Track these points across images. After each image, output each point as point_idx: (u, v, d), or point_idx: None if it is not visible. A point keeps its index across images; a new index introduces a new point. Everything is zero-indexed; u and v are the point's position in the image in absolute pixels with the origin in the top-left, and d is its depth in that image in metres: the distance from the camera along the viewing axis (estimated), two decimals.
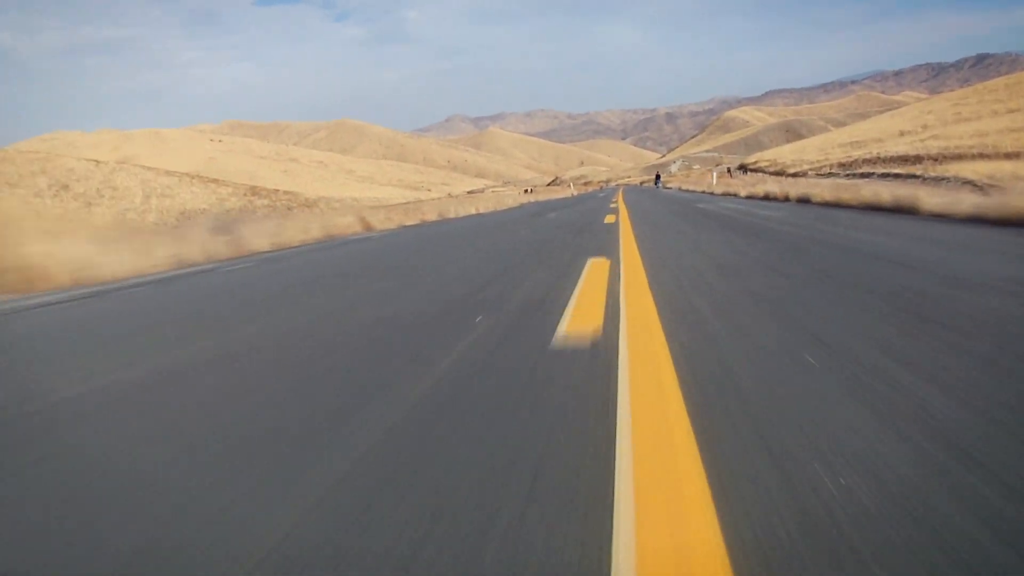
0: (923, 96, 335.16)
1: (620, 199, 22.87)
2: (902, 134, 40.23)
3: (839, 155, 38.88)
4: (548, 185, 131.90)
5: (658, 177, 47.98)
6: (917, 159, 25.77)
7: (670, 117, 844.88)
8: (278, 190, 64.67)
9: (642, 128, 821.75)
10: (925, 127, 39.45)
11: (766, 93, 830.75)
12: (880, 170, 25.87)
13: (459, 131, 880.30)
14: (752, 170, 44.28)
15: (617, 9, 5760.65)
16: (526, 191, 48.65)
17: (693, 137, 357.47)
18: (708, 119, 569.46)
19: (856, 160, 29.47)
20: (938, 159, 24.61)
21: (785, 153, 49.88)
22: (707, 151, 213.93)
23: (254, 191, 60.12)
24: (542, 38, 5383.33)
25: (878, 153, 29.02)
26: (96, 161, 62.44)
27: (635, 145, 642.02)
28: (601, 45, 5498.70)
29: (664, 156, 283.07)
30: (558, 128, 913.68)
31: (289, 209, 59.29)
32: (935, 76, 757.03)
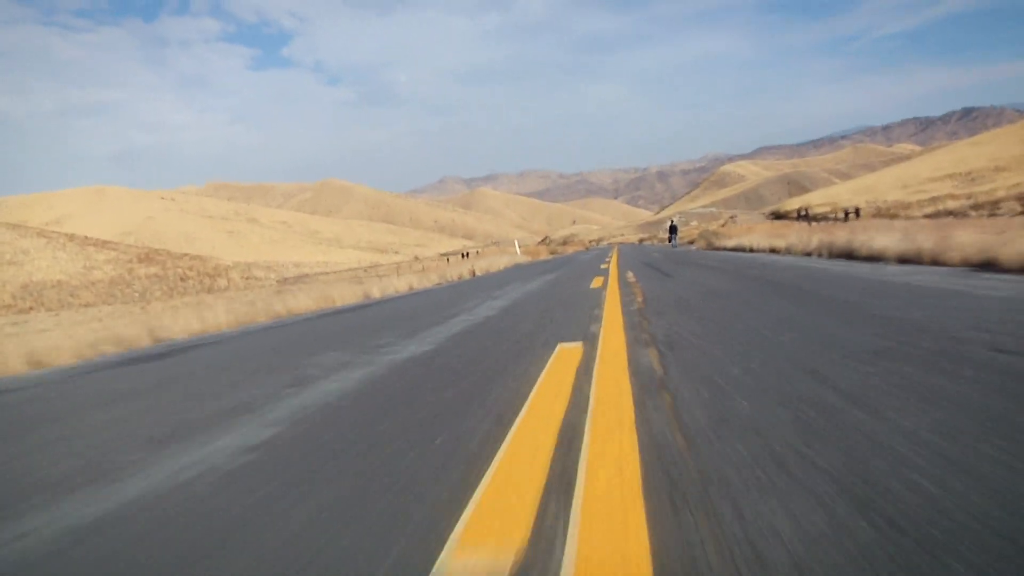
0: (916, 148, 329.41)
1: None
2: None
3: (951, 190, 25.69)
4: (539, 243, 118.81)
5: (673, 230, 34.03)
6: None
7: (662, 175, 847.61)
8: (186, 255, 51.25)
9: (634, 187, 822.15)
10: None
11: (757, 150, 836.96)
12: None
13: (452, 192, 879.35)
14: (810, 218, 30.86)
15: (606, 69, 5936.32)
16: (462, 256, 35.12)
17: (688, 193, 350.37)
18: (700, 176, 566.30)
19: None
20: None
21: (842, 195, 37.27)
22: (704, 206, 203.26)
23: (145, 257, 46.55)
24: (532, 98, 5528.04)
25: None
26: None
27: (627, 203, 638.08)
28: (591, 104, 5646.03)
29: (658, 213, 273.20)
30: (551, 188, 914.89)
31: (183, 280, 45.49)
32: (923, 130, 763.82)
